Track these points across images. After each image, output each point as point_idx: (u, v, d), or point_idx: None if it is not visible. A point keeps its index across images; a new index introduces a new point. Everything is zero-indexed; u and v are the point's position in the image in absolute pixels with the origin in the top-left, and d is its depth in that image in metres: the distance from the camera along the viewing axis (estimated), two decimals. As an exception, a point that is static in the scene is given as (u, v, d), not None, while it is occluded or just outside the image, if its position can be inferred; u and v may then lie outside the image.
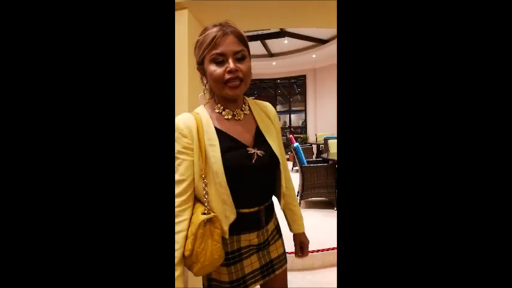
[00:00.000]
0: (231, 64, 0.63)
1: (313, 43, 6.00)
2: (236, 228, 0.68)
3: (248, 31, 4.93)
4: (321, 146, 5.87)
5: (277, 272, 0.76)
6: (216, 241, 0.65)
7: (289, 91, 8.45)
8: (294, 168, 5.67)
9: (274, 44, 6.04)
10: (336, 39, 5.62)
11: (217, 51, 0.63)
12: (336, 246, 2.09)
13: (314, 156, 5.82)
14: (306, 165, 3.18)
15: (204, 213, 0.65)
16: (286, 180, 0.78)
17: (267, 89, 8.59)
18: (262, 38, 5.28)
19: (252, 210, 0.69)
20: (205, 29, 0.67)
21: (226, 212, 0.66)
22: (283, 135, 8.37)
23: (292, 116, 8.59)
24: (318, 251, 2.07)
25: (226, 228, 0.66)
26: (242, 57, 0.65)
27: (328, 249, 2.08)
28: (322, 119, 7.37)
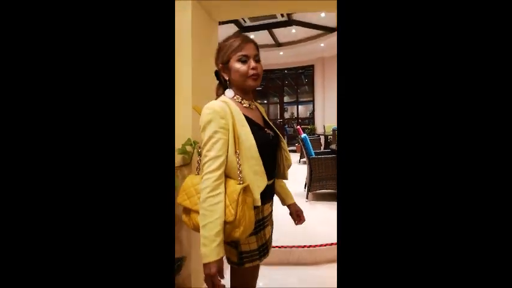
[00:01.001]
0: (252, 63, 0.82)
1: (321, 31, 5.83)
2: (262, 199, 0.80)
3: (255, 20, 4.78)
4: (329, 137, 5.78)
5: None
6: (250, 208, 0.77)
7: (297, 81, 8.30)
8: (301, 160, 5.61)
9: (282, 33, 5.90)
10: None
11: (243, 53, 0.82)
12: (344, 239, 2.06)
13: (322, 148, 5.74)
14: (314, 156, 3.12)
15: (239, 184, 0.77)
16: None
17: (275, 80, 8.45)
18: (269, 27, 5.15)
19: (270, 182, 0.84)
20: (229, 38, 0.86)
21: (258, 181, 0.79)
22: (290, 126, 8.35)
23: (299, 106, 8.46)
24: (323, 245, 2.04)
25: (258, 196, 0.79)
26: (258, 59, 0.85)
27: (335, 244, 2.05)
28: (330, 109, 7.22)
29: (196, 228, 0.81)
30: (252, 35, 5.74)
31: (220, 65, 0.86)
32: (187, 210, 0.86)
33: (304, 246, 2.01)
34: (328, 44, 6.35)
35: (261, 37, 5.87)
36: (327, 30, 5.70)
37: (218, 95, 0.89)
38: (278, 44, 6.55)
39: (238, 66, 0.82)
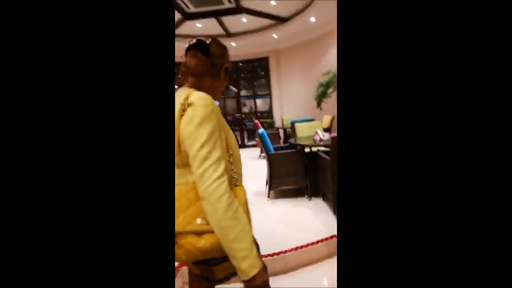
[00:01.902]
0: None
1: (274, 21, 5.65)
2: None
3: (200, 5, 4.35)
4: (287, 130, 5.69)
5: None
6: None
7: (253, 74, 8.09)
8: (262, 154, 5.44)
9: (232, 23, 5.57)
10: (298, 17, 5.24)
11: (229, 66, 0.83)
12: (312, 242, 1.89)
13: (282, 141, 5.63)
14: (273, 152, 2.92)
15: (236, 185, 0.71)
16: None
17: (230, 73, 8.13)
18: (217, 14, 4.79)
19: None
20: (221, 42, 0.83)
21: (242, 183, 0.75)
22: (250, 121, 8.14)
23: (258, 100, 8.29)
24: (291, 250, 1.84)
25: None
26: None
27: (302, 247, 1.86)
28: (288, 102, 7.18)
29: (196, 254, 0.65)
30: (198, 24, 5.31)
31: (214, 60, 0.77)
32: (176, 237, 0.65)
33: (269, 255, 1.79)
34: (282, 35, 6.22)
35: (208, 26, 5.47)
36: (279, 20, 5.54)
37: (181, 85, 0.75)
38: (229, 34, 6.22)
39: (225, 79, 0.82)
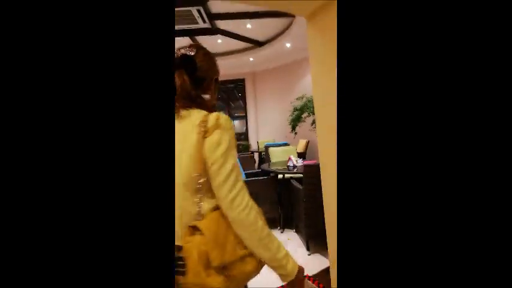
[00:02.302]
0: None
1: (250, 44, 5.65)
2: None
3: (175, 25, 4.21)
4: (262, 153, 5.52)
5: None
6: None
7: (229, 95, 8.01)
8: (235, 179, 5.18)
9: (207, 43, 5.48)
10: (273, 42, 5.27)
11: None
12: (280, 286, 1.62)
13: (256, 165, 5.43)
14: (244, 179, 2.68)
15: None
16: None
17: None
18: (192, 33, 4.67)
19: None
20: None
21: None
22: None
23: (235, 122, 8.15)
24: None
25: None
26: None
27: (270, 295, 1.59)
28: (263, 125, 7.10)
29: (245, 279, 0.67)
30: (173, 43, 5.18)
31: (212, 72, 0.78)
32: (223, 268, 0.61)
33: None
34: (258, 59, 6.24)
35: (183, 44, 5.34)
36: (255, 43, 5.55)
37: (195, 100, 0.70)
38: (205, 55, 6.12)
39: (216, 88, 0.79)
